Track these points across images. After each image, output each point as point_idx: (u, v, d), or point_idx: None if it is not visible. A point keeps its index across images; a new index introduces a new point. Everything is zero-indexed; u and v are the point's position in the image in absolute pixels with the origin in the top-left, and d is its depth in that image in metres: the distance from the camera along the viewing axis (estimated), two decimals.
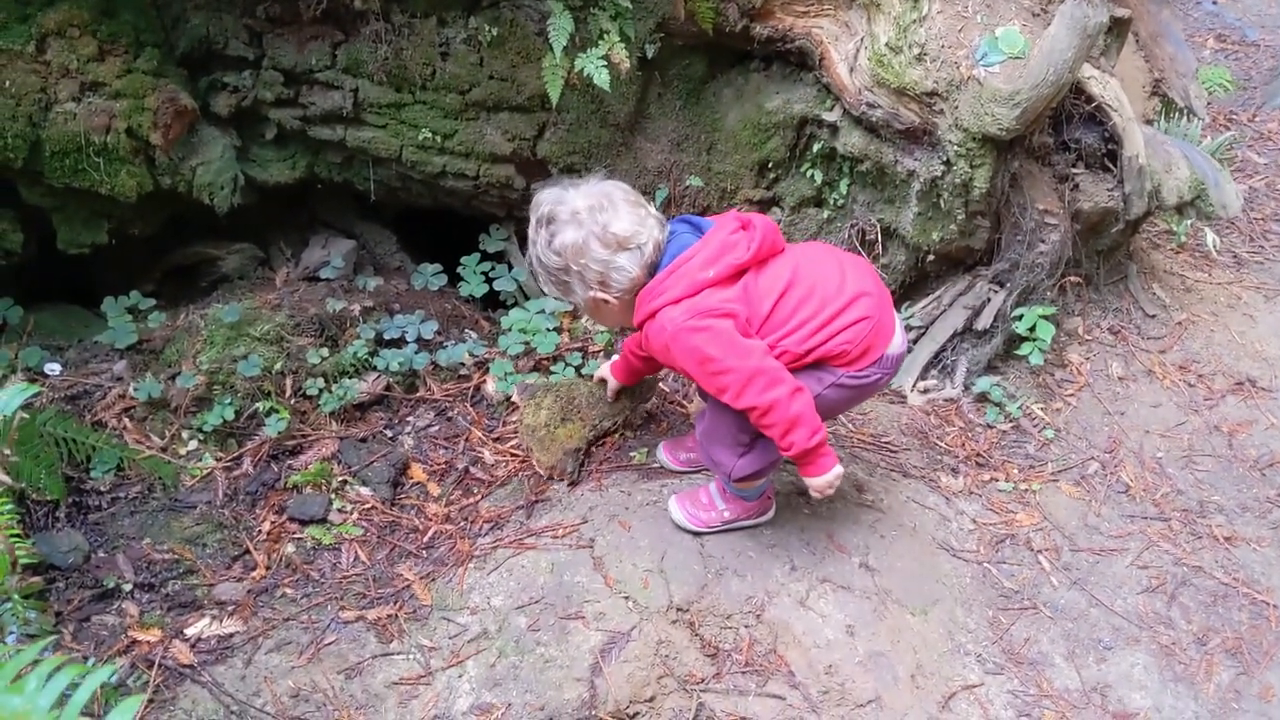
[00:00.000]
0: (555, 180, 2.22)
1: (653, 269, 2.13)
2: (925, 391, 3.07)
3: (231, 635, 2.20)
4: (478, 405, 2.88)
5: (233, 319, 2.80)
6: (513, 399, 2.79)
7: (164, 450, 2.61)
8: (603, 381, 2.68)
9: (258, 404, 2.70)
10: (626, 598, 2.29)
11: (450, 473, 2.67)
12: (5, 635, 2.06)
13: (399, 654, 2.19)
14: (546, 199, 2.14)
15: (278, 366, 2.76)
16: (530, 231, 2.17)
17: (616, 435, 2.70)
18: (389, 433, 2.79)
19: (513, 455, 2.70)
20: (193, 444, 2.64)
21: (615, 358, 2.64)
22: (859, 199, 3.08)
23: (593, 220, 2.08)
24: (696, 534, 2.42)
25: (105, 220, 2.90)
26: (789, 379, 2.07)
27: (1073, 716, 2.23)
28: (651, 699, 2.13)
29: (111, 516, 2.46)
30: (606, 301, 2.15)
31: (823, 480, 2.16)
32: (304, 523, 2.49)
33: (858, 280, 2.16)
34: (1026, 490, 2.77)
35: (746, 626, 2.27)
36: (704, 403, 2.26)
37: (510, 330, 3.03)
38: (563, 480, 2.59)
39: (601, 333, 3.10)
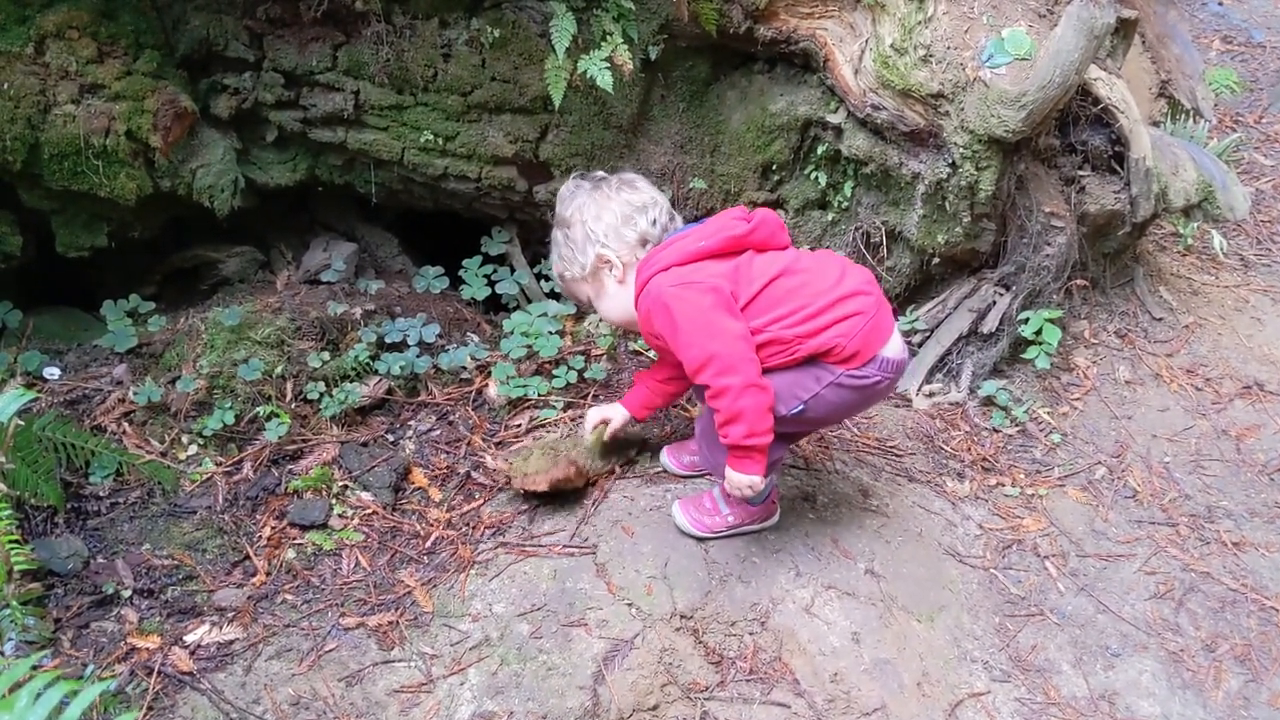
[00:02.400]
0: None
1: (659, 239, 2.21)
2: (930, 395, 3.05)
3: (231, 642, 2.18)
4: (479, 409, 2.86)
5: (233, 322, 2.78)
6: (502, 469, 2.63)
7: (164, 455, 2.60)
8: (602, 425, 2.52)
9: (258, 408, 2.68)
10: (629, 604, 2.27)
11: (452, 477, 2.65)
12: (3, 642, 2.04)
13: (400, 661, 2.17)
14: (572, 178, 2.30)
15: (278, 370, 2.74)
16: (557, 204, 2.29)
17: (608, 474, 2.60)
18: (390, 437, 2.77)
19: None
20: (193, 448, 2.62)
21: (609, 402, 2.59)
22: (863, 201, 3.06)
23: (609, 185, 2.24)
24: (700, 539, 2.40)
25: (105, 223, 2.88)
26: (748, 372, 2.05)
27: None
28: (655, 707, 2.11)
29: (111, 522, 2.44)
30: (610, 265, 2.20)
31: (740, 478, 2.15)
32: (305, 528, 2.47)
33: (855, 281, 2.15)
34: (1033, 495, 2.75)
35: (751, 634, 2.25)
36: (704, 406, 2.24)
37: (512, 333, 3.01)
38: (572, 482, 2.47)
39: (604, 336, 3.08)
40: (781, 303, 2.10)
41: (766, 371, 2.10)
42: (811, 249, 3.17)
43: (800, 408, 2.13)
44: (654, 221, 2.20)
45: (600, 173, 2.30)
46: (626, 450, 2.65)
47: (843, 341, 2.09)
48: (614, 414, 2.52)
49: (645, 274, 2.16)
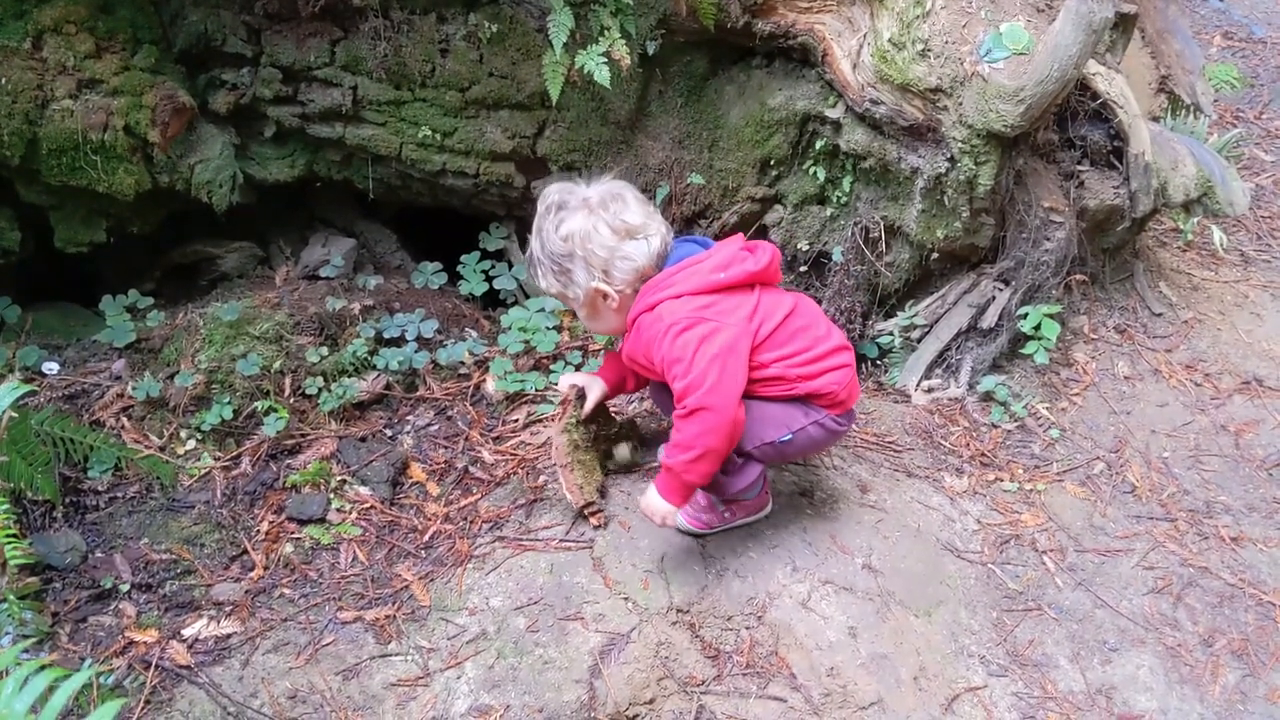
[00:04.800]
0: (563, 176, 2.22)
1: (658, 266, 2.14)
2: (930, 391, 3.05)
3: (229, 636, 2.19)
4: (477, 404, 2.87)
5: (232, 318, 2.79)
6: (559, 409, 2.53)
7: (162, 450, 2.60)
8: (580, 395, 2.42)
9: (256, 403, 2.68)
10: (626, 599, 2.27)
11: (450, 472, 2.65)
12: (2, 636, 2.05)
13: (397, 655, 2.17)
14: (556, 189, 2.16)
15: (277, 365, 2.74)
16: (536, 221, 2.16)
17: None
18: (388, 432, 2.78)
19: (512, 455, 2.68)
20: (191, 443, 2.63)
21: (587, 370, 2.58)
22: (862, 196, 3.05)
23: (603, 208, 2.10)
24: (696, 535, 2.40)
25: (103, 218, 2.89)
26: (731, 414, 2.05)
27: (1077, 719, 2.20)
28: (651, 701, 2.11)
29: (109, 516, 2.44)
30: (606, 296, 2.14)
31: (659, 504, 2.16)
32: (302, 522, 2.47)
33: (839, 336, 2.26)
34: (1031, 490, 2.74)
35: (748, 628, 2.25)
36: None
37: (510, 329, 3.01)
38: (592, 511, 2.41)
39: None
40: (790, 341, 2.16)
41: (763, 400, 2.16)
42: (810, 245, 3.18)
43: (789, 436, 2.20)
44: (655, 255, 2.13)
45: (582, 187, 2.15)
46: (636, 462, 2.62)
47: (836, 389, 2.20)
48: (592, 387, 2.41)
49: (654, 296, 2.11)
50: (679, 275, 2.11)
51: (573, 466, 2.39)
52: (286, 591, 2.31)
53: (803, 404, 2.21)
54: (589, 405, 2.41)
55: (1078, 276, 3.18)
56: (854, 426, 2.84)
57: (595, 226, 2.09)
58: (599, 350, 3.03)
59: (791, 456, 2.40)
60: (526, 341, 2.97)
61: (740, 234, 2.35)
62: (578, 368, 2.91)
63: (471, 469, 2.65)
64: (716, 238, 2.33)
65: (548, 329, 3.00)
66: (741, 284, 2.13)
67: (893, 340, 3.13)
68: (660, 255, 2.15)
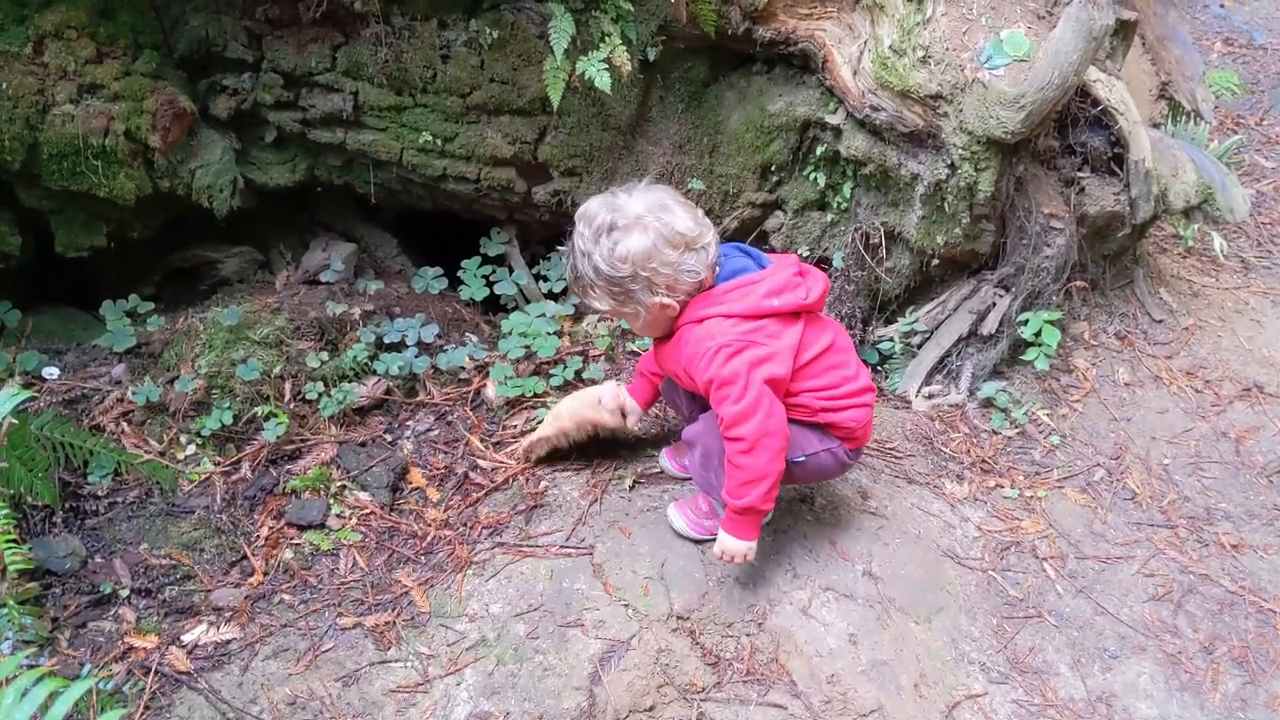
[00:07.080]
0: (597, 191, 2.20)
1: (713, 272, 2.13)
2: (930, 397, 3.05)
3: (229, 642, 2.19)
4: (478, 409, 2.86)
5: (232, 322, 2.79)
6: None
7: (162, 454, 2.60)
8: (620, 414, 2.52)
9: (256, 408, 2.68)
10: (626, 605, 2.26)
11: (450, 478, 2.65)
12: (1, 642, 2.05)
13: (397, 661, 2.17)
14: (599, 207, 2.08)
15: (277, 370, 2.74)
16: (583, 243, 2.09)
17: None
18: (388, 437, 2.77)
19: (512, 460, 2.68)
20: (191, 448, 2.63)
21: (621, 383, 2.58)
22: (863, 202, 3.05)
23: (657, 221, 2.04)
24: (697, 541, 2.40)
25: (104, 223, 2.89)
26: (784, 444, 2.08)
27: None
28: (651, 708, 2.11)
29: (109, 521, 2.44)
30: (667, 307, 2.11)
31: (739, 545, 2.16)
32: (302, 528, 2.47)
33: (867, 377, 2.28)
34: (1032, 497, 2.74)
35: (748, 635, 2.25)
36: (702, 424, 2.24)
37: (511, 334, 3.01)
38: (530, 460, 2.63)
39: (602, 337, 3.08)
40: (823, 374, 2.19)
41: None
42: (810, 251, 3.18)
43: (802, 458, 2.22)
44: (711, 263, 2.10)
45: (624, 198, 2.08)
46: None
47: (854, 425, 2.23)
48: (631, 409, 2.52)
49: (703, 311, 2.10)
50: (732, 294, 2.10)
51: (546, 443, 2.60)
52: (286, 597, 2.30)
53: (819, 430, 2.22)
54: (631, 423, 2.54)
55: (1078, 283, 3.18)
56: None
57: (655, 245, 2.03)
58: (599, 356, 3.03)
59: (797, 479, 2.38)
60: (527, 346, 2.97)
61: (795, 255, 2.32)
62: (578, 373, 2.91)
63: (471, 474, 2.65)
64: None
65: (548, 334, 3.00)
66: (790, 313, 2.12)
67: (893, 346, 3.13)
68: (715, 261, 2.13)
